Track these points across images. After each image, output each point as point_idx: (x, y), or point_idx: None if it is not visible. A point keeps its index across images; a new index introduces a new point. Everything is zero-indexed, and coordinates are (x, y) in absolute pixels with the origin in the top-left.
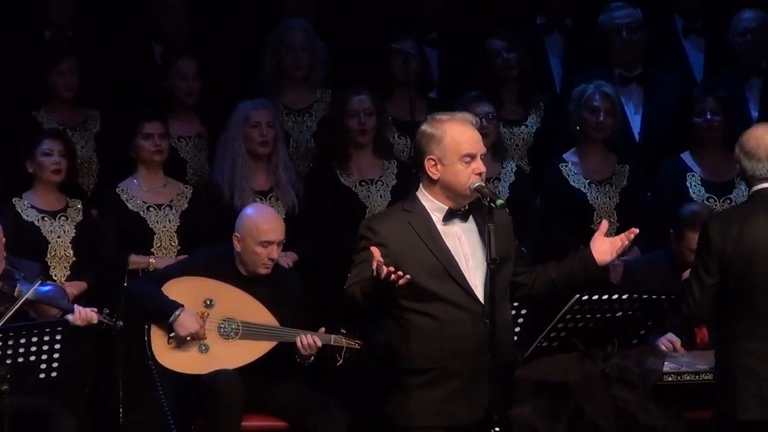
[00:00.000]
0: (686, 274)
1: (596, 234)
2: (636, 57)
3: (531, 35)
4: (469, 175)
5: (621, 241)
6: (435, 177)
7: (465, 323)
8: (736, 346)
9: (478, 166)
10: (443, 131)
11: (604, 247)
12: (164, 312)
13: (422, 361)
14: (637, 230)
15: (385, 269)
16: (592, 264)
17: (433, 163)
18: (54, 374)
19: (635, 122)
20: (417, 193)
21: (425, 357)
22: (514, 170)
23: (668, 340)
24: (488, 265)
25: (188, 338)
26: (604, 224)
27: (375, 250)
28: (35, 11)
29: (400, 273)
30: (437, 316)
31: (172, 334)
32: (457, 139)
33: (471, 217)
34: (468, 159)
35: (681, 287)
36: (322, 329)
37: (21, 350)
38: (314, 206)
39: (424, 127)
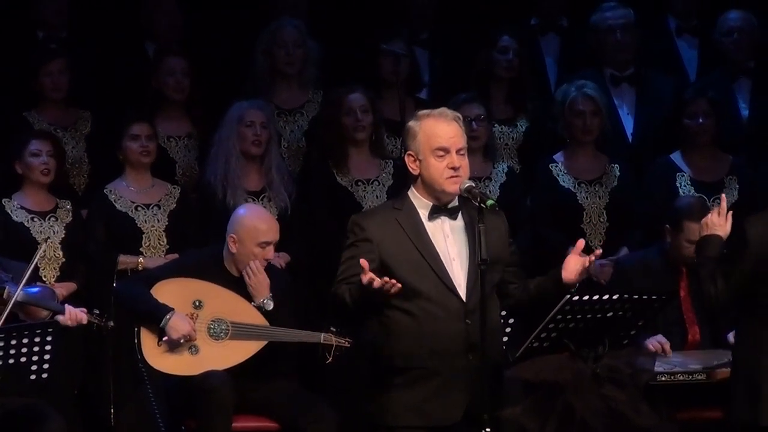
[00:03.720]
0: (703, 225)
1: (570, 253)
2: (628, 57)
3: (526, 36)
4: (443, 169)
5: (588, 261)
6: (415, 173)
7: (446, 322)
8: (762, 351)
9: (453, 160)
10: (419, 126)
11: (576, 266)
12: (155, 316)
13: (402, 360)
14: (600, 251)
15: (377, 281)
16: (560, 282)
17: (412, 158)
18: (45, 375)
19: (628, 123)
20: (408, 191)
21: (405, 356)
22: (505, 170)
23: (657, 342)
24: (478, 265)
25: (181, 341)
26: (580, 244)
27: (364, 263)
28: (30, 12)
29: (393, 281)
30: (418, 315)
31: (164, 338)
32: (429, 133)
33: (461, 215)
34: (441, 153)
35: (701, 257)
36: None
37: (11, 351)
38: (308, 205)
39: (407, 124)
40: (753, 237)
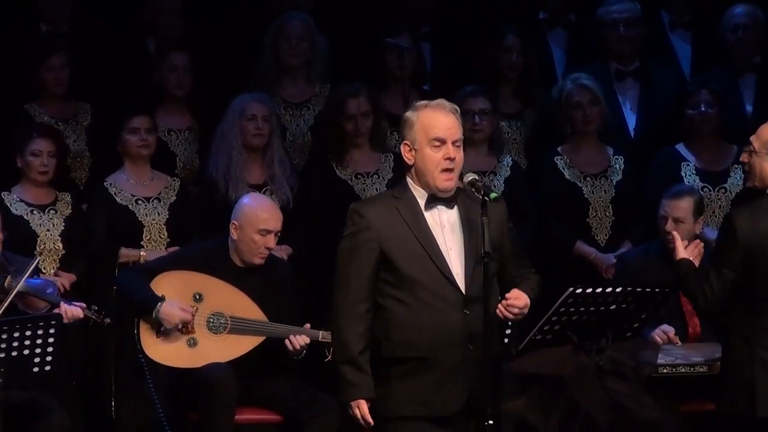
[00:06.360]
0: (681, 249)
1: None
2: (633, 51)
3: (533, 31)
4: (439, 160)
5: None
6: (410, 162)
7: (445, 313)
8: (755, 343)
9: (448, 151)
10: (416, 117)
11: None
12: (146, 306)
13: (402, 350)
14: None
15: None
16: None
17: (408, 148)
18: (47, 368)
19: (630, 118)
20: (407, 180)
21: (405, 347)
22: (510, 164)
23: (663, 331)
24: (481, 258)
25: (179, 326)
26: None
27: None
28: (33, 5)
29: None
30: (417, 305)
31: (162, 328)
32: (426, 124)
33: (457, 205)
34: (437, 143)
35: (682, 274)
36: (308, 324)
37: (14, 344)
38: (309, 198)
39: (405, 114)
40: (741, 230)
